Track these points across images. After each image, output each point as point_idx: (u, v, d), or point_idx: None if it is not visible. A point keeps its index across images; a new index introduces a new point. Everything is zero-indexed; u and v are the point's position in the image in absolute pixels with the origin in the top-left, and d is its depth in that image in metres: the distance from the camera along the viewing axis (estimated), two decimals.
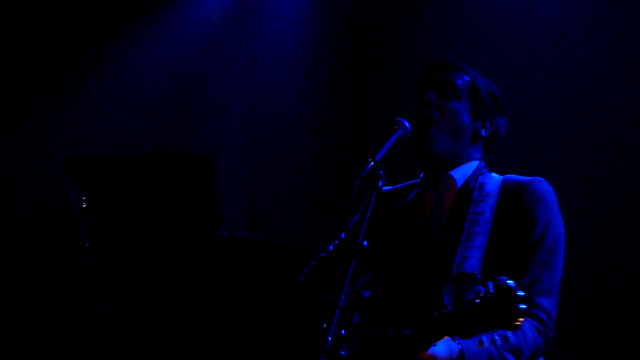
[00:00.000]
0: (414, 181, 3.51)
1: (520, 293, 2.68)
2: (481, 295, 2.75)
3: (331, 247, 3.57)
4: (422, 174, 3.45)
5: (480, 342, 2.87)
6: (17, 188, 6.45)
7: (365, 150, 3.12)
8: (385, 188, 3.26)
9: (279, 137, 7.09)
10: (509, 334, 2.91)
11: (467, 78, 3.42)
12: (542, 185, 3.30)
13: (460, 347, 3.01)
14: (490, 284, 2.73)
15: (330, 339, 2.82)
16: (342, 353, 2.95)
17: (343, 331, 2.94)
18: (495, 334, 2.84)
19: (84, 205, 4.29)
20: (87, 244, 4.28)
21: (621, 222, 5.85)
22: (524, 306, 2.69)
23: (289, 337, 4.22)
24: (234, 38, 7.16)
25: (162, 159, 4.75)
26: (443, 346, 2.97)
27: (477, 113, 3.39)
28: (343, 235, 3.48)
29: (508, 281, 2.70)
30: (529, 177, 3.32)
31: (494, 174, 3.41)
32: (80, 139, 6.53)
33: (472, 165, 3.40)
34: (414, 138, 3.29)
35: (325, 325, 2.86)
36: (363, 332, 3.22)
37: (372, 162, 3.05)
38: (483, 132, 3.40)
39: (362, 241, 2.96)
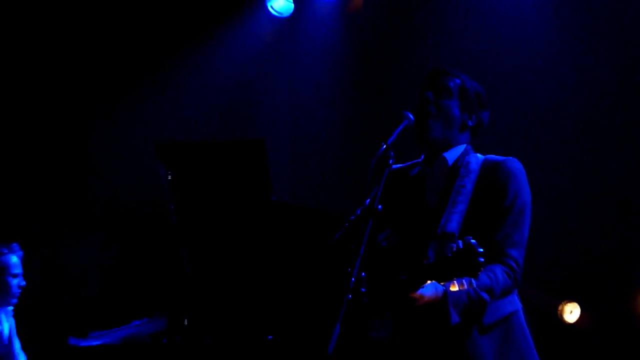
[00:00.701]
0: (417, 161, 3.55)
1: (480, 250, 2.86)
2: (453, 250, 2.94)
3: (358, 212, 3.54)
4: (422, 156, 3.51)
5: (461, 284, 3.03)
6: (116, 167, 6.63)
7: (379, 137, 3.23)
8: (395, 166, 3.35)
9: (315, 128, 7.15)
10: (483, 276, 3.12)
11: (457, 81, 3.50)
12: (514, 163, 3.38)
13: (444, 288, 3.10)
14: (460, 242, 2.92)
15: (353, 279, 2.94)
16: (363, 290, 3.00)
17: (363, 274, 3.00)
18: (472, 278, 3.00)
19: (169, 178, 4.52)
20: (172, 207, 4.52)
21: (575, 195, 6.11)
22: (482, 260, 2.86)
23: (327, 282, 4.27)
24: (281, 50, 7.22)
25: (227, 144, 4.96)
26: (430, 288, 3.08)
27: (465, 108, 3.49)
28: (367, 202, 3.38)
29: (472, 240, 2.89)
30: (504, 157, 3.41)
31: (478, 155, 3.49)
32: (164, 128, 6.72)
33: (461, 148, 3.48)
34: (416, 127, 3.36)
35: (349, 269, 2.97)
36: (376, 275, 3.24)
37: (385, 145, 3.21)
38: (470, 123, 3.50)
39: (377, 206, 3.08)
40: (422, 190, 3.52)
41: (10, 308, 5.17)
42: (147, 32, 6.80)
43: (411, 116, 3.39)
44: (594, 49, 6.06)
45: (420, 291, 3.10)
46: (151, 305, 4.81)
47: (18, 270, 5.10)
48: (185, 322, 4.45)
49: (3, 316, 5.13)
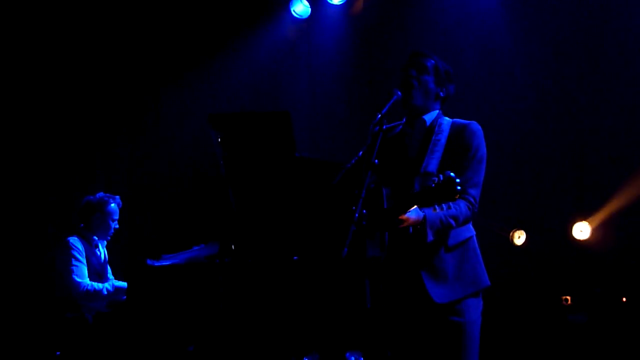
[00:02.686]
0: (399, 122, 3.57)
1: (458, 180, 2.95)
2: (435, 181, 3.02)
3: (353, 161, 3.55)
4: (404, 119, 3.53)
5: (434, 209, 3.14)
6: (181, 132, 6.74)
7: (375, 109, 3.30)
8: (385, 126, 3.36)
9: (328, 103, 7.03)
10: (451, 204, 3.20)
11: (432, 61, 3.50)
12: (476, 125, 3.42)
13: (423, 213, 3.17)
14: (441, 176, 3.01)
15: (357, 215, 3.01)
16: (364, 223, 3.08)
17: (365, 210, 3.07)
18: (444, 205, 3.13)
19: (218, 140, 4.47)
20: (221, 162, 4.46)
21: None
22: (460, 188, 2.95)
23: (333, 217, 4.19)
24: (300, 43, 7.10)
25: (262, 114, 4.91)
26: (414, 212, 3.15)
27: (438, 82, 3.48)
28: (360, 153, 3.47)
29: (451, 173, 2.98)
30: (469, 121, 3.45)
31: (447, 118, 3.51)
32: (215, 103, 6.72)
33: (435, 113, 3.49)
34: (402, 96, 3.39)
35: (353, 207, 3.03)
36: (371, 209, 3.25)
37: (379, 115, 3.26)
38: (441, 94, 3.50)
39: (374, 160, 3.15)
40: (404, 144, 3.51)
41: (105, 242, 5.21)
42: (202, 33, 6.79)
43: (399, 92, 3.40)
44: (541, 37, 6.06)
45: (407, 214, 3.13)
46: (207, 234, 4.81)
47: (116, 216, 5.16)
48: (233, 247, 4.41)
49: (101, 245, 5.18)
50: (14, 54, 6.25)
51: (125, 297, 4.79)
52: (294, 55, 7.11)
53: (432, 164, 3.37)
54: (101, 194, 5.16)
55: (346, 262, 2.94)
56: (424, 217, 3.18)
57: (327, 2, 6.73)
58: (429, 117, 3.50)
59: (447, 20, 6.37)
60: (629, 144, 5.72)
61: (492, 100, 6.09)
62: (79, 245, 4.94)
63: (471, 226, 3.41)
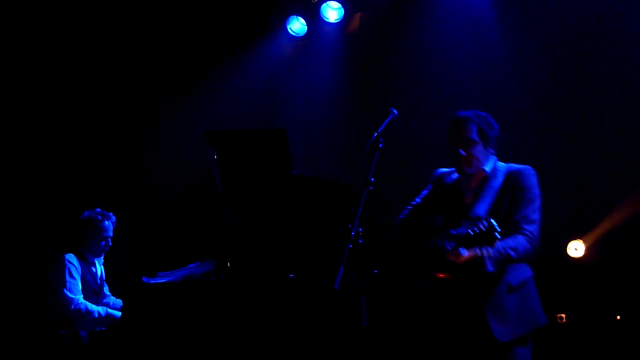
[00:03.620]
0: (452, 169, 3.69)
1: (498, 229, 3.10)
2: (480, 227, 3.16)
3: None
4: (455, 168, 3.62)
5: (486, 251, 3.25)
6: (177, 149, 6.74)
7: (372, 127, 3.38)
8: (441, 170, 3.75)
9: (324, 120, 7.01)
10: (508, 239, 3.31)
11: (474, 127, 3.55)
12: (531, 170, 3.53)
13: (481, 249, 3.25)
14: (484, 221, 3.16)
15: (353, 233, 3.11)
16: (360, 241, 3.16)
17: (360, 229, 3.16)
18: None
19: (215, 157, 4.49)
20: (218, 179, 4.50)
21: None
22: (499, 235, 3.11)
23: (329, 234, 4.19)
24: (297, 65, 7.12)
25: (258, 132, 4.91)
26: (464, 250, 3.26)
27: (486, 142, 3.56)
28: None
29: (492, 220, 3.13)
30: (524, 165, 3.56)
31: (502, 164, 3.60)
32: (212, 120, 6.65)
33: (492, 162, 3.59)
34: (456, 167, 3.60)
35: (350, 225, 3.14)
36: (429, 243, 3.49)
37: (376, 134, 3.33)
38: (490, 149, 3.59)
39: (370, 178, 3.23)
40: (460, 189, 3.64)
41: (101, 258, 5.18)
42: (199, 50, 6.83)
43: (395, 111, 3.48)
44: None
45: (460, 250, 3.26)
46: (203, 252, 4.81)
47: (108, 233, 5.08)
48: (228, 265, 4.41)
49: (97, 262, 5.16)
50: (10, 68, 6.26)
51: (119, 316, 4.75)
52: (290, 73, 7.12)
53: (482, 208, 3.47)
54: (97, 210, 5.11)
55: (340, 287, 2.98)
56: (480, 249, 3.26)
57: (324, 20, 6.76)
58: (489, 166, 3.60)
59: (443, 38, 6.39)
60: (625, 161, 5.72)
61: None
62: (75, 262, 4.92)
63: (528, 267, 3.53)
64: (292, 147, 4.55)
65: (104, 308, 4.85)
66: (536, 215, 3.45)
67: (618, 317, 5.28)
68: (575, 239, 5.92)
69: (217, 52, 6.80)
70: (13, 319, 5.90)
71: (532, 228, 3.40)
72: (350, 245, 3.07)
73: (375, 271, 4.25)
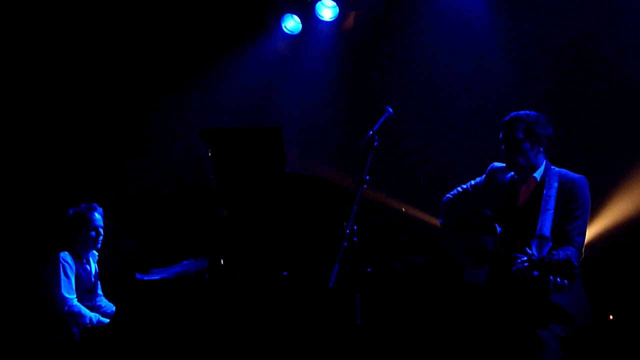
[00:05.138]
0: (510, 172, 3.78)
1: (577, 266, 3.25)
2: (554, 257, 3.26)
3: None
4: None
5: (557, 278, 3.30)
6: (172, 146, 6.65)
7: (367, 125, 3.41)
8: (496, 165, 3.84)
9: (318, 118, 7.00)
10: (565, 249, 3.48)
11: (523, 126, 3.68)
12: (584, 181, 3.63)
13: (555, 278, 3.29)
14: (561, 253, 3.33)
15: (348, 231, 3.12)
16: (355, 239, 3.19)
17: (355, 227, 3.18)
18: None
19: (209, 154, 4.48)
20: (212, 176, 4.48)
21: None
22: (578, 271, 3.27)
23: (323, 232, 4.24)
24: (292, 63, 7.15)
25: (253, 129, 4.90)
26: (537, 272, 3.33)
27: (535, 141, 3.69)
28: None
29: (573, 259, 3.23)
30: (577, 175, 3.66)
31: (554, 169, 3.67)
32: (206, 117, 6.70)
33: (542, 166, 3.69)
34: (507, 164, 3.74)
35: (345, 223, 3.14)
36: (487, 242, 3.63)
37: (371, 132, 3.35)
38: (541, 149, 3.70)
39: (366, 176, 3.26)
40: (515, 191, 3.73)
41: (96, 254, 5.14)
42: (194, 48, 6.81)
43: (390, 110, 3.48)
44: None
45: (533, 272, 3.35)
46: (196, 249, 4.79)
47: (97, 224, 5.02)
48: (222, 262, 4.40)
49: (92, 260, 5.13)
50: (7, 71, 6.24)
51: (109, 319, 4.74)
52: (285, 71, 7.12)
53: (546, 226, 3.53)
54: (82, 205, 5.05)
55: (336, 280, 2.98)
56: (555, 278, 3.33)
57: (318, 18, 6.75)
58: (538, 174, 3.70)
59: (437, 37, 6.37)
60: (625, 161, 5.67)
61: (483, 127, 6.02)
62: (70, 261, 4.89)
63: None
64: (286, 145, 4.56)
65: (96, 315, 4.82)
66: (585, 227, 3.59)
67: (611, 317, 5.27)
68: None
69: (212, 49, 6.80)
70: (6, 316, 5.86)
71: (582, 240, 3.56)
72: (345, 243, 3.07)
73: (369, 269, 4.26)
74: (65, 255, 4.88)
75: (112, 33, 6.56)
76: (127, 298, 4.30)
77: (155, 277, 4.41)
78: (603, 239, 5.23)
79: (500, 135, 3.72)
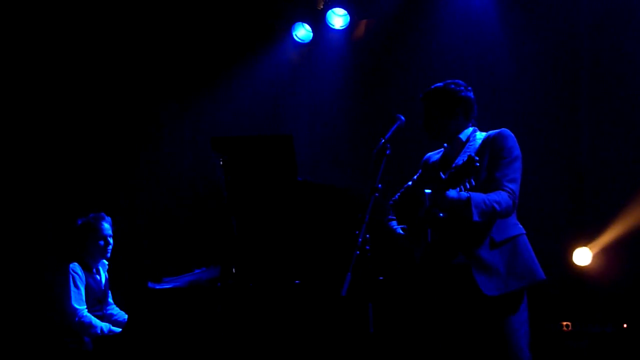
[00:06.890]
0: (440, 150, 3.79)
1: (477, 158, 3.13)
2: (459, 164, 3.28)
3: (396, 196, 3.83)
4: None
5: (460, 189, 3.24)
6: (184, 155, 6.78)
7: (379, 133, 3.41)
8: (428, 154, 3.85)
9: (329, 127, 7.04)
10: (492, 194, 3.37)
11: (426, 99, 3.71)
12: (507, 131, 3.55)
13: (468, 194, 3.27)
14: (464, 157, 3.34)
15: (360, 239, 3.08)
16: (367, 247, 3.16)
17: (368, 235, 3.13)
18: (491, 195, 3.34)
19: (221, 163, 4.47)
20: (223, 184, 4.45)
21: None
22: (478, 164, 3.13)
23: (336, 240, 4.21)
24: (303, 72, 7.16)
25: (264, 138, 4.86)
26: (454, 192, 3.26)
27: (444, 109, 3.67)
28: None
29: (471, 154, 3.28)
30: (500, 129, 3.58)
31: (482, 133, 3.66)
32: (218, 126, 6.67)
33: (469, 130, 3.67)
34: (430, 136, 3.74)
35: (357, 232, 3.09)
36: (420, 212, 3.50)
37: (383, 140, 3.36)
38: (457, 111, 3.67)
39: (378, 184, 3.24)
40: (444, 157, 3.73)
41: (106, 263, 5.14)
42: (205, 57, 6.84)
43: (402, 118, 3.51)
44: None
45: (446, 193, 3.25)
46: (208, 257, 4.79)
47: (105, 233, 5.03)
48: (234, 270, 4.39)
49: (102, 269, 5.14)
50: (12, 71, 6.27)
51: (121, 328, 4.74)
52: (296, 80, 7.12)
53: (461, 161, 3.49)
54: (90, 215, 5.06)
55: (350, 287, 2.95)
56: (468, 196, 3.27)
57: (329, 27, 6.76)
58: (464, 135, 3.66)
59: (449, 45, 6.36)
60: (632, 166, 5.67)
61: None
62: (79, 272, 4.90)
63: (519, 225, 3.53)
64: (297, 153, 4.56)
65: (107, 325, 4.83)
66: (517, 175, 3.48)
67: (625, 326, 5.24)
68: (581, 246, 5.83)
69: (223, 58, 6.83)
70: (18, 326, 5.87)
71: (513, 186, 3.43)
72: (358, 252, 3.05)
73: (381, 277, 4.23)
74: (75, 267, 4.89)
75: (124, 43, 6.60)
76: (139, 307, 4.30)
77: (167, 286, 4.40)
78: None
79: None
